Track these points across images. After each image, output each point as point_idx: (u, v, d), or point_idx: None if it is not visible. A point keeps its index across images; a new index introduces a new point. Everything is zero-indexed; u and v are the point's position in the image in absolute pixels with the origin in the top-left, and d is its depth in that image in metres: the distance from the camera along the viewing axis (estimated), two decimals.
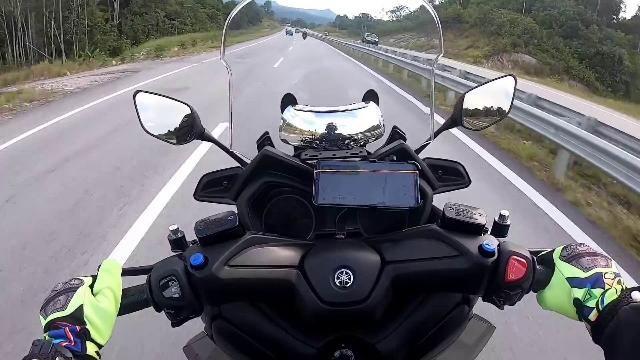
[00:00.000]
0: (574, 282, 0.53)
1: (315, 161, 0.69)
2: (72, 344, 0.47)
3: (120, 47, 21.95)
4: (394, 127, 0.88)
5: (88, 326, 0.49)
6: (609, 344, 0.48)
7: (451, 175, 0.83)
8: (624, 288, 0.50)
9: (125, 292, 0.56)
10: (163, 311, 0.55)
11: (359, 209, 0.70)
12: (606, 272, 0.52)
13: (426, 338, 0.65)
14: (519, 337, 2.02)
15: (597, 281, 0.51)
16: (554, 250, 0.58)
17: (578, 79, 35.22)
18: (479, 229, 0.58)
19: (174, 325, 0.57)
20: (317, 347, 0.61)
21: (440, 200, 0.76)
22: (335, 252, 0.61)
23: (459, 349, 0.91)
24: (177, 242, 0.63)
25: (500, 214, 0.65)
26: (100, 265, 0.56)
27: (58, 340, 0.47)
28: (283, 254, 0.60)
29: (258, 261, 0.57)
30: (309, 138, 0.79)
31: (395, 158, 0.72)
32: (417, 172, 0.67)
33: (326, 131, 0.78)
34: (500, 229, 0.65)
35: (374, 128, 0.80)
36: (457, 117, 0.85)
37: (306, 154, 0.78)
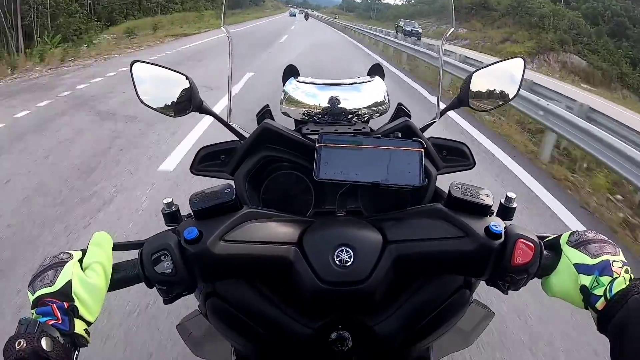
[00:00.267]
0: (581, 268, 0.51)
1: (317, 135, 0.66)
2: (60, 322, 0.45)
3: (88, 30, 16.96)
4: (399, 104, 0.86)
5: (76, 302, 0.47)
6: (617, 334, 0.46)
7: (456, 156, 0.81)
8: (632, 277, 0.49)
9: (115, 267, 0.53)
10: (155, 287, 0.53)
11: (360, 186, 0.68)
12: (614, 260, 0.50)
13: (425, 322, 0.63)
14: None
15: (604, 269, 0.50)
16: (560, 235, 0.56)
17: (632, 88, 27.07)
18: (485, 210, 0.56)
19: (166, 302, 0.55)
20: (313, 327, 0.59)
21: (442, 182, 0.74)
22: (335, 230, 0.58)
23: (457, 334, 0.91)
24: (171, 215, 0.60)
25: (506, 196, 0.63)
26: (91, 239, 0.54)
27: (45, 319, 0.44)
28: (281, 230, 0.57)
29: (255, 237, 0.55)
30: (311, 111, 0.76)
31: (400, 135, 0.70)
32: (422, 150, 0.65)
33: (329, 105, 0.75)
34: (506, 211, 0.63)
35: (378, 104, 0.78)
36: (464, 97, 0.83)
37: (307, 129, 0.75)
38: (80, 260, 0.51)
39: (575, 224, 3.18)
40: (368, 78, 0.80)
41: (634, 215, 3.60)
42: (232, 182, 0.72)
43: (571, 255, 0.53)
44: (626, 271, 0.49)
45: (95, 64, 9.06)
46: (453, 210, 0.56)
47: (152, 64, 0.78)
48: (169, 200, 0.60)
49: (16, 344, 0.41)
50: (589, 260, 0.51)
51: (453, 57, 8.94)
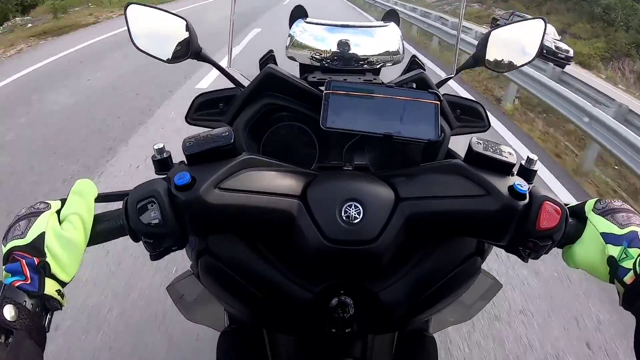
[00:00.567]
0: (609, 238, 0.47)
1: (325, 82, 0.60)
2: (28, 282, 0.39)
3: None
4: (413, 56, 0.80)
5: (48, 258, 0.41)
6: None
7: (469, 116, 0.75)
8: None
9: (98, 218, 0.48)
10: (141, 241, 0.48)
11: (369, 140, 0.62)
12: None
13: (432, 291, 0.59)
14: None
15: (633, 240, 0.45)
16: (585, 202, 0.52)
17: None
18: (508, 169, 0.51)
19: (153, 257, 0.49)
20: (314, 292, 0.55)
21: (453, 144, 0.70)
22: (343, 183, 0.53)
23: (458, 305, 0.88)
24: (162, 163, 0.54)
25: (527, 157, 0.58)
26: (72, 187, 0.48)
27: (11, 279, 0.39)
28: (283, 182, 0.52)
29: (253, 186, 0.49)
30: (319, 55, 0.70)
31: (415, 86, 0.64)
32: (439, 102, 0.59)
33: (339, 50, 0.69)
34: (526, 173, 0.58)
35: (392, 52, 0.72)
36: (480, 56, 0.79)
37: (314, 77, 0.69)
38: (59, 212, 0.46)
39: None
40: (382, 23, 0.74)
41: None
42: None
43: (598, 224, 0.48)
44: None
45: None
46: (473, 167, 0.51)
47: (149, 6, 0.74)
48: (160, 145, 0.54)
49: None
50: (617, 230, 0.47)
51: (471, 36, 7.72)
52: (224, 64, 0.80)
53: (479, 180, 0.50)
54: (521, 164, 0.59)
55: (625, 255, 0.45)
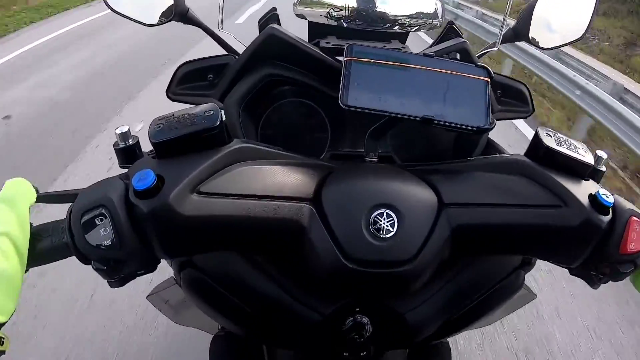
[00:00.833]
0: None
1: (346, 46, 0.46)
2: None
3: None
4: (450, 22, 0.67)
5: None
6: None
7: (511, 98, 0.64)
8: None
9: (37, 232, 0.35)
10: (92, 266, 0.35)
11: (402, 123, 0.47)
12: None
13: (467, 310, 0.48)
14: None
15: None
16: None
17: None
18: (584, 171, 0.40)
19: (112, 285, 0.36)
20: (324, 314, 0.43)
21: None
22: (371, 182, 0.40)
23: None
24: (127, 152, 0.40)
25: (596, 154, 0.46)
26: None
27: None
28: (289, 178, 0.39)
29: (247, 188, 0.36)
30: (336, 12, 0.57)
31: (458, 57, 0.52)
32: (489, 79, 0.46)
33: (361, 5, 0.56)
34: (592, 174, 0.46)
35: (428, 15, 0.59)
36: (522, 30, 0.69)
37: (327, 42, 0.57)
38: None
39: None
40: None
41: None
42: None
43: None
44: None
45: None
46: (543, 166, 0.40)
47: None
48: (124, 129, 0.39)
49: None
50: None
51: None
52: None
53: (552, 186, 0.38)
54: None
55: None
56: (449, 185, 0.41)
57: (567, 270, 0.42)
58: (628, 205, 0.38)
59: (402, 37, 0.66)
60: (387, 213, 0.37)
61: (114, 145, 0.40)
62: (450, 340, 0.70)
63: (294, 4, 0.62)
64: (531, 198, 0.38)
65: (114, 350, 1.47)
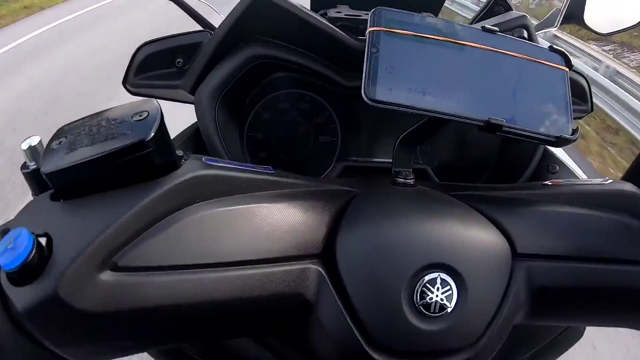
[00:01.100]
0: None
1: (371, 11, 0.30)
2: None
3: None
4: None
5: None
6: None
7: None
8: None
9: None
10: None
11: (436, 124, 0.33)
12: None
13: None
14: None
15: None
16: None
17: None
18: None
19: None
20: None
21: None
22: (415, 224, 0.26)
23: None
24: (37, 177, 0.25)
25: None
26: None
27: None
28: (281, 224, 0.25)
29: (210, 250, 0.22)
30: None
31: (525, 35, 0.38)
32: (567, 69, 0.33)
33: None
34: None
35: None
36: (575, 11, 0.58)
37: (338, 12, 0.44)
38: None
39: None
40: None
41: None
42: (191, 109, 0.40)
43: None
44: None
45: None
46: None
47: None
48: (34, 141, 0.25)
49: None
50: None
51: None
52: None
53: None
54: None
55: None
56: (522, 224, 0.28)
57: None
58: None
59: (435, 7, 0.52)
60: (441, 279, 0.24)
61: (21, 168, 0.26)
62: None
63: None
64: None
65: None
